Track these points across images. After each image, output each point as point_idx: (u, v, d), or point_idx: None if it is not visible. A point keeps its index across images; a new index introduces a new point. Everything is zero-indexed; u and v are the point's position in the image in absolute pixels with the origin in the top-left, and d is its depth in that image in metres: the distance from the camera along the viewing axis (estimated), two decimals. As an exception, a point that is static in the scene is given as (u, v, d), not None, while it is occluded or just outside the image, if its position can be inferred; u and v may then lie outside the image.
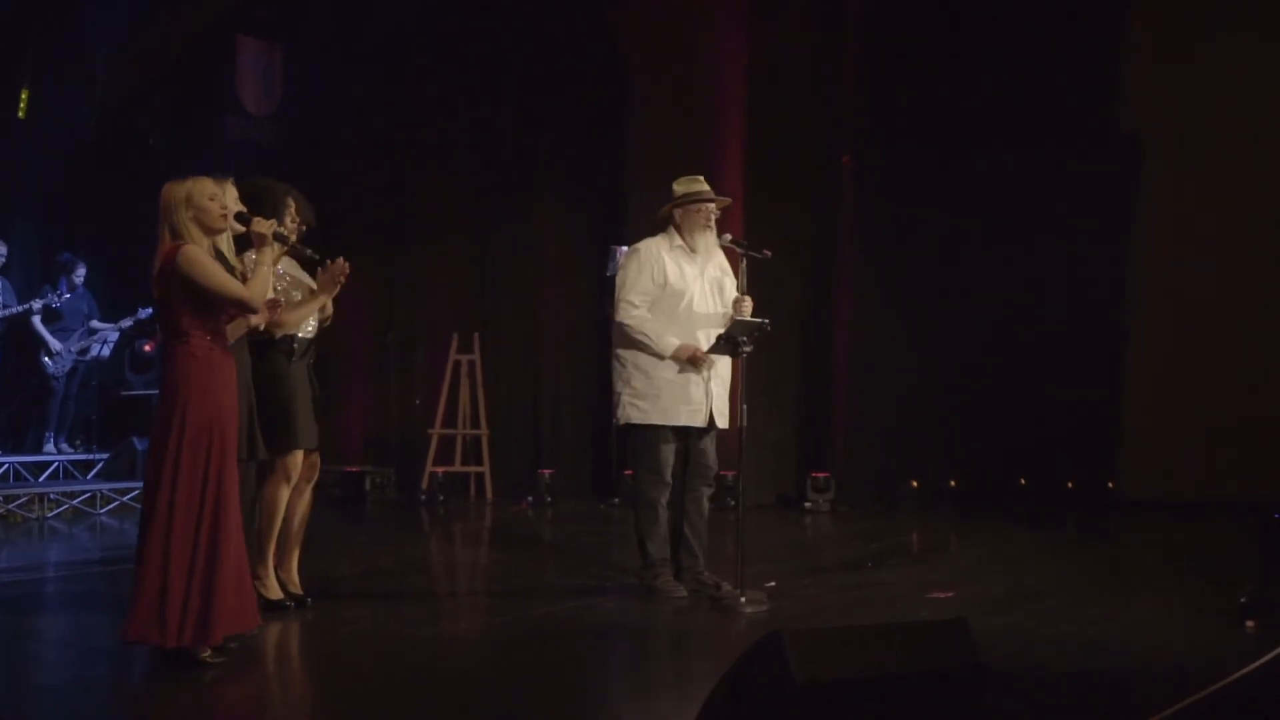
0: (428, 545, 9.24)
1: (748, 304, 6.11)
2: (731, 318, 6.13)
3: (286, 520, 5.75)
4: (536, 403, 11.83)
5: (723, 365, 6.23)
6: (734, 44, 10.77)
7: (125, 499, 9.83)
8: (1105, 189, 10.24)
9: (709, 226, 6.22)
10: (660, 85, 11.09)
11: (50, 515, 9.53)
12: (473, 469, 11.54)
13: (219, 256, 4.72)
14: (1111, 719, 4.18)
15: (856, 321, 10.79)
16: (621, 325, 6.12)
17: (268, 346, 5.56)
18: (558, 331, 11.70)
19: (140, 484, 7.47)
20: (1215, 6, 10.09)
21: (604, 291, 10.19)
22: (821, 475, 10.31)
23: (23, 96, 11.00)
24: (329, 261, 5.55)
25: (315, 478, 5.94)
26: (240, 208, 4.94)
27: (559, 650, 5.17)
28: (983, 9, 10.47)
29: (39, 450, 10.51)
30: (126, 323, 10.78)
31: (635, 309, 6.10)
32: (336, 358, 11.06)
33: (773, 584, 6.33)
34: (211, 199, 4.64)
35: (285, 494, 5.67)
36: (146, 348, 11.01)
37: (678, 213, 6.23)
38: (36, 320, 10.43)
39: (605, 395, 6.45)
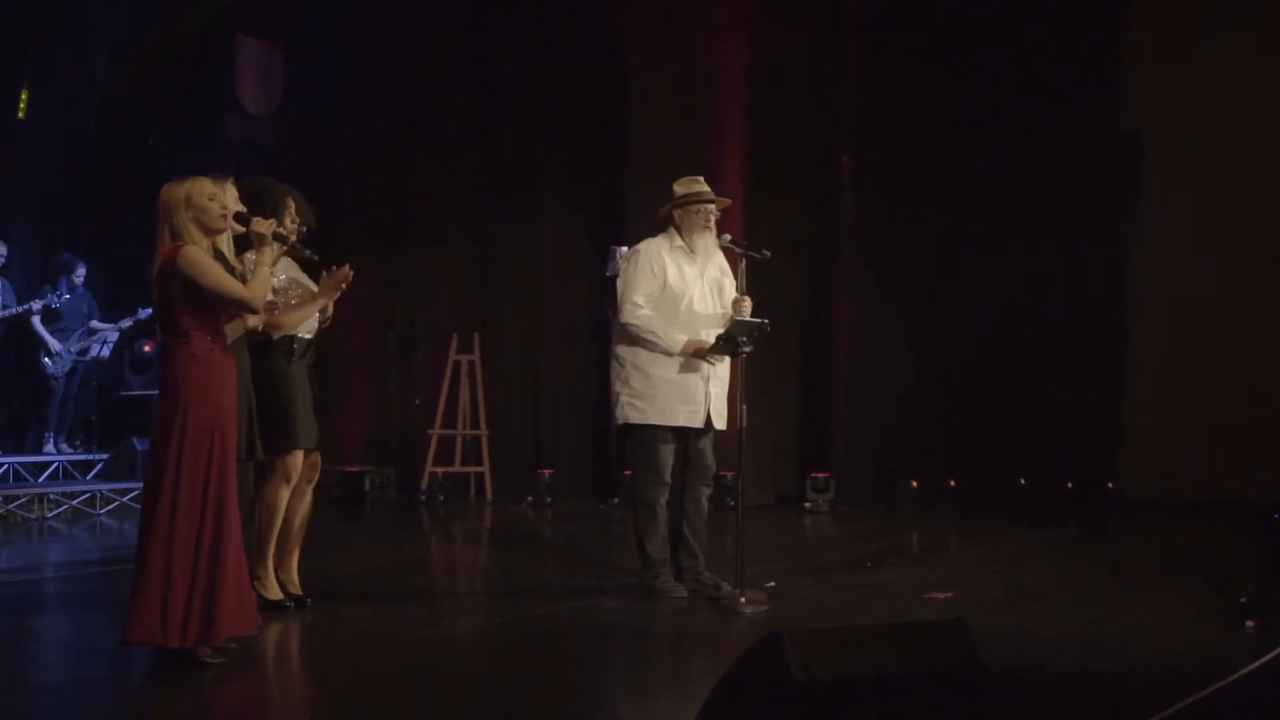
0: (428, 545, 9.24)
1: (747, 304, 6.11)
2: (731, 318, 6.13)
3: (287, 521, 5.75)
4: (536, 403, 11.83)
5: (721, 366, 6.23)
6: (734, 44, 10.77)
7: (125, 499, 9.83)
8: (1105, 189, 10.24)
9: (709, 227, 6.22)
10: (660, 85, 11.09)
11: (50, 516, 9.53)
12: (473, 469, 11.54)
13: (219, 257, 4.72)
14: (1111, 719, 4.18)
15: (856, 321, 10.79)
16: (627, 326, 6.11)
17: (267, 347, 5.56)
18: (558, 331, 11.70)
19: (140, 484, 7.46)
20: (1215, 7, 10.09)
21: (604, 291, 10.20)
22: (821, 475, 10.31)
23: (23, 96, 11.00)
24: (334, 267, 5.56)
25: (316, 478, 5.94)
26: (240, 208, 4.94)
27: (559, 650, 5.17)
28: (983, 9, 10.47)
29: (39, 450, 10.51)
30: (126, 323, 10.78)
31: (640, 309, 6.10)
32: (336, 358, 11.05)
33: (772, 584, 6.33)
34: (211, 199, 4.64)
35: (285, 494, 5.67)
36: (146, 348, 11.01)
37: (677, 213, 6.23)
38: (36, 320, 10.43)
39: (605, 395, 6.45)
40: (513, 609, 6.02)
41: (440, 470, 11.30)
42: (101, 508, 9.83)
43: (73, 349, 10.61)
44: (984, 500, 10.13)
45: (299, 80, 12.00)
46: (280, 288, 5.62)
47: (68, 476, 10.39)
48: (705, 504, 6.28)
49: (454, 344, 11.55)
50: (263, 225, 4.81)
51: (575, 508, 10.49)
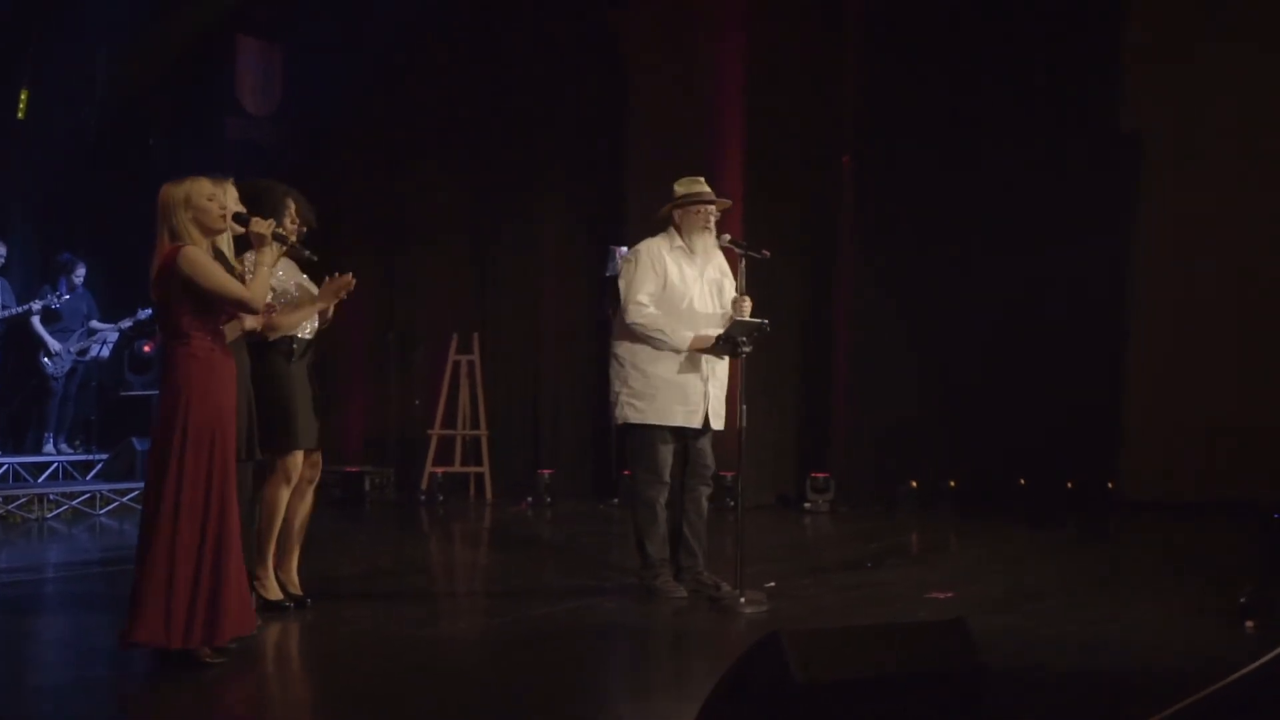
0: (427, 546, 9.24)
1: (747, 304, 6.11)
2: (731, 318, 6.13)
3: (287, 521, 5.75)
4: (536, 403, 11.83)
5: (720, 367, 6.24)
6: (734, 44, 10.77)
7: (125, 500, 9.82)
8: (1105, 189, 10.24)
9: (708, 228, 6.23)
10: (660, 85, 11.08)
11: (50, 516, 9.53)
12: (472, 469, 11.54)
13: (219, 257, 4.71)
14: (1111, 719, 4.18)
15: (856, 321, 10.79)
16: (634, 325, 6.10)
17: (266, 347, 5.56)
18: (558, 331, 11.70)
19: (140, 485, 7.45)
20: (1215, 7, 10.08)
21: (604, 291, 10.21)
22: (821, 475, 10.31)
23: (22, 96, 10.99)
24: (335, 274, 5.57)
25: (317, 478, 5.94)
26: (240, 208, 4.94)
27: (559, 650, 5.17)
28: (983, 9, 10.47)
29: (38, 451, 10.51)
30: (126, 323, 10.77)
31: (646, 307, 6.10)
32: (336, 358, 11.06)
33: (772, 584, 6.33)
34: (210, 199, 4.64)
35: (285, 494, 5.67)
36: (146, 348, 11.00)
37: (677, 213, 6.23)
38: (36, 321, 10.42)
39: (605, 395, 6.45)
40: (512, 609, 6.02)
41: (440, 470, 11.30)
42: (101, 508, 9.82)
43: (72, 349, 10.61)
44: (984, 500, 10.13)
45: (299, 80, 12.00)
46: (279, 288, 5.62)
47: (67, 477, 10.38)
48: (705, 504, 6.28)
49: (454, 344, 11.55)
50: (262, 226, 4.80)
51: (575, 508, 10.49)
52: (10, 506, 9.42)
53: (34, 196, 11.38)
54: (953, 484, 10.29)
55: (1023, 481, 10.31)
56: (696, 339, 6.07)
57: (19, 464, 10.18)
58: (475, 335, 11.62)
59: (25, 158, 11.12)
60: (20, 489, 9.69)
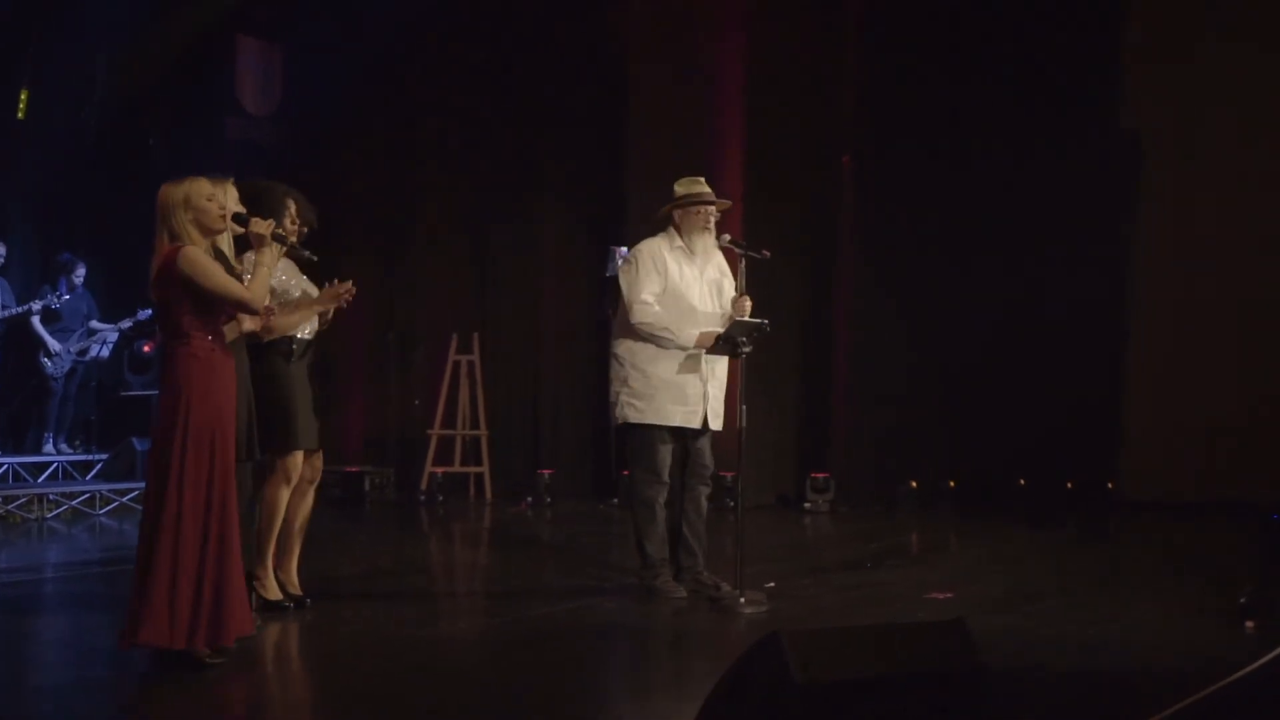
0: (427, 546, 9.24)
1: (747, 303, 6.11)
2: (730, 317, 6.14)
3: (287, 521, 5.75)
4: (536, 403, 11.83)
5: (720, 367, 6.24)
6: (734, 44, 10.77)
7: (124, 500, 9.83)
8: (1105, 189, 10.23)
9: (708, 229, 6.23)
10: (660, 85, 11.08)
11: (49, 516, 9.53)
12: (472, 469, 11.54)
13: (219, 257, 4.71)
14: (1111, 719, 4.18)
15: (856, 321, 10.79)
16: (640, 325, 6.09)
17: (266, 348, 5.56)
18: (558, 331, 11.70)
19: (140, 485, 7.44)
20: (1215, 7, 10.09)
21: (604, 291, 10.21)
22: (821, 475, 10.31)
23: (22, 96, 10.99)
24: (335, 280, 5.59)
25: (318, 479, 5.93)
26: (239, 209, 4.94)
27: (559, 650, 5.17)
28: (982, 9, 10.47)
29: (38, 451, 10.51)
30: (126, 324, 10.77)
31: (651, 306, 6.09)
32: (336, 358, 11.07)
33: (772, 584, 6.33)
34: (209, 199, 4.63)
35: (285, 495, 5.67)
36: (146, 348, 11.01)
37: (677, 214, 6.23)
38: (36, 321, 10.42)
39: (605, 395, 6.45)
40: (512, 609, 6.02)
41: (440, 470, 11.30)
42: (101, 508, 9.82)
43: (72, 349, 10.61)
44: (984, 500, 10.13)
45: (299, 80, 12.00)
46: (279, 289, 5.62)
47: (67, 477, 10.38)
48: (704, 504, 6.28)
49: (454, 344, 11.55)
50: (261, 226, 4.80)
51: (575, 508, 10.49)
52: (10, 506, 9.42)
53: (34, 196, 11.38)
54: (953, 484, 10.29)
55: (1023, 481, 10.31)
56: (703, 336, 6.08)
57: (19, 464, 10.18)
58: (475, 335, 11.62)
59: (25, 158, 11.11)
60: (20, 489, 9.69)
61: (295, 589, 5.81)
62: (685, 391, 6.11)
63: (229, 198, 4.88)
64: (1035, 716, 4.15)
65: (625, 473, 8.55)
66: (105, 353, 10.94)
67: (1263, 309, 9.76)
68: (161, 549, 4.44)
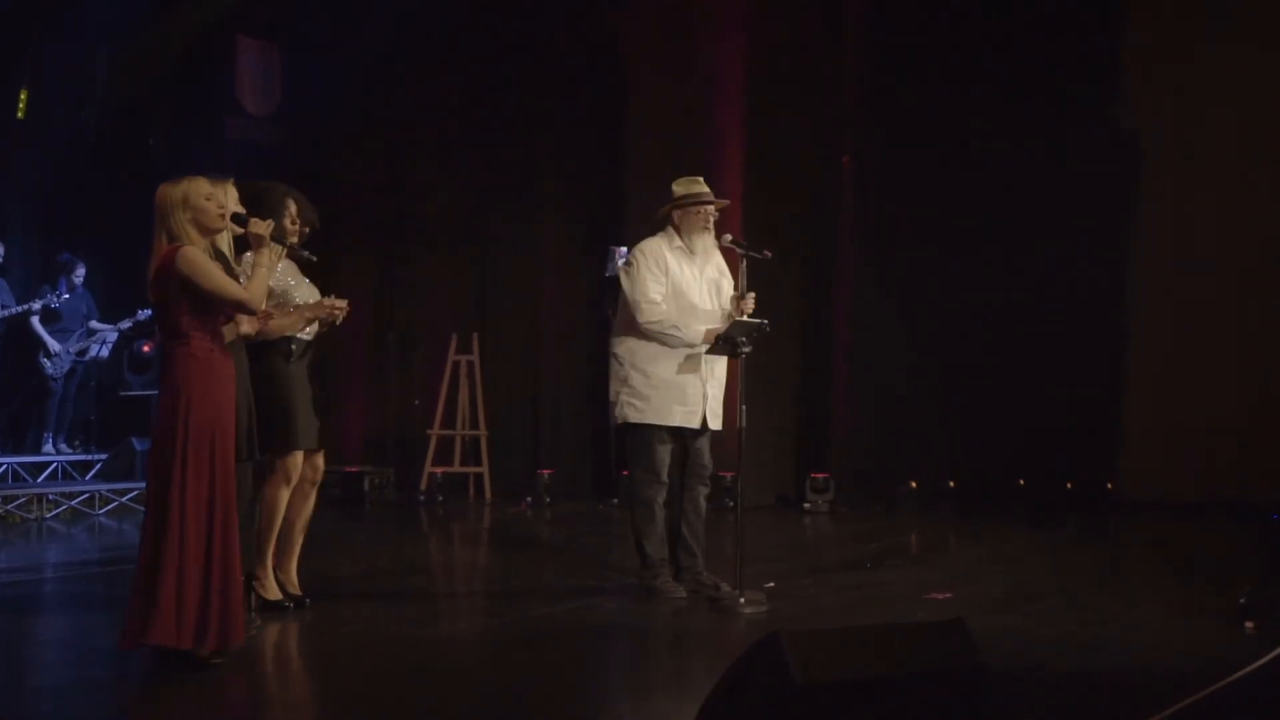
0: (427, 546, 9.24)
1: (750, 300, 6.11)
2: (729, 315, 6.14)
3: (287, 521, 5.74)
4: (536, 403, 11.83)
5: (720, 367, 6.23)
6: (734, 44, 10.77)
7: (124, 500, 9.82)
8: (1105, 189, 10.24)
9: (708, 228, 6.23)
10: (660, 85, 11.08)
11: (49, 516, 9.53)
12: (472, 469, 11.54)
13: (218, 257, 4.71)
14: (1111, 719, 4.18)
15: (856, 321, 10.79)
16: (647, 324, 6.08)
17: (265, 348, 5.55)
18: (557, 331, 11.69)
19: (139, 485, 7.43)
20: (1215, 7, 10.09)
21: (604, 291, 10.20)
22: (820, 476, 10.31)
23: (22, 96, 10.99)
24: (333, 295, 5.64)
25: (319, 479, 5.92)
26: (239, 209, 4.94)
27: (559, 650, 5.16)
28: (983, 9, 10.47)
29: (38, 451, 10.50)
30: (125, 324, 10.77)
31: (659, 305, 6.08)
32: (336, 358, 11.07)
33: (772, 584, 6.32)
34: (208, 199, 4.62)
35: (285, 495, 5.66)
36: (145, 348, 11.00)
37: (676, 214, 6.23)
38: (35, 321, 10.42)
39: (605, 395, 6.45)
40: (512, 609, 6.02)
41: (439, 471, 11.30)
42: (100, 508, 9.82)
43: (71, 350, 10.61)
44: (984, 500, 10.14)
45: (299, 80, 12.00)
46: (279, 289, 5.61)
47: (66, 477, 10.38)
48: (703, 504, 6.28)
49: (453, 344, 11.55)
50: (260, 226, 4.79)
51: (574, 508, 10.49)
52: (9, 506, 9.42)
53: (34, 196, 11.38)
54: (953, 484, 10.30)
55: (1022, 481, 10.31)
56: (709, 332, 6.08)
57: (18, 464, 10.18)
58: (475, 335, 11.61)
59: (25, 158, 11.11)
60: (20, 489, 9.69)
61: (295, 589, 5.80)
62: (685, 391, 6.11)
63: (229, 198, 4.88)
64: (1035, 716, 4.14)
65: (625, 473, 8.55)
66: (105, 353, 10.94)
67: (1263, 309, 9.77)
68: (167, 550, 4.43)
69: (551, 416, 11.75)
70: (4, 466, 10.07)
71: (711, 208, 6.24)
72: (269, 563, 5.70)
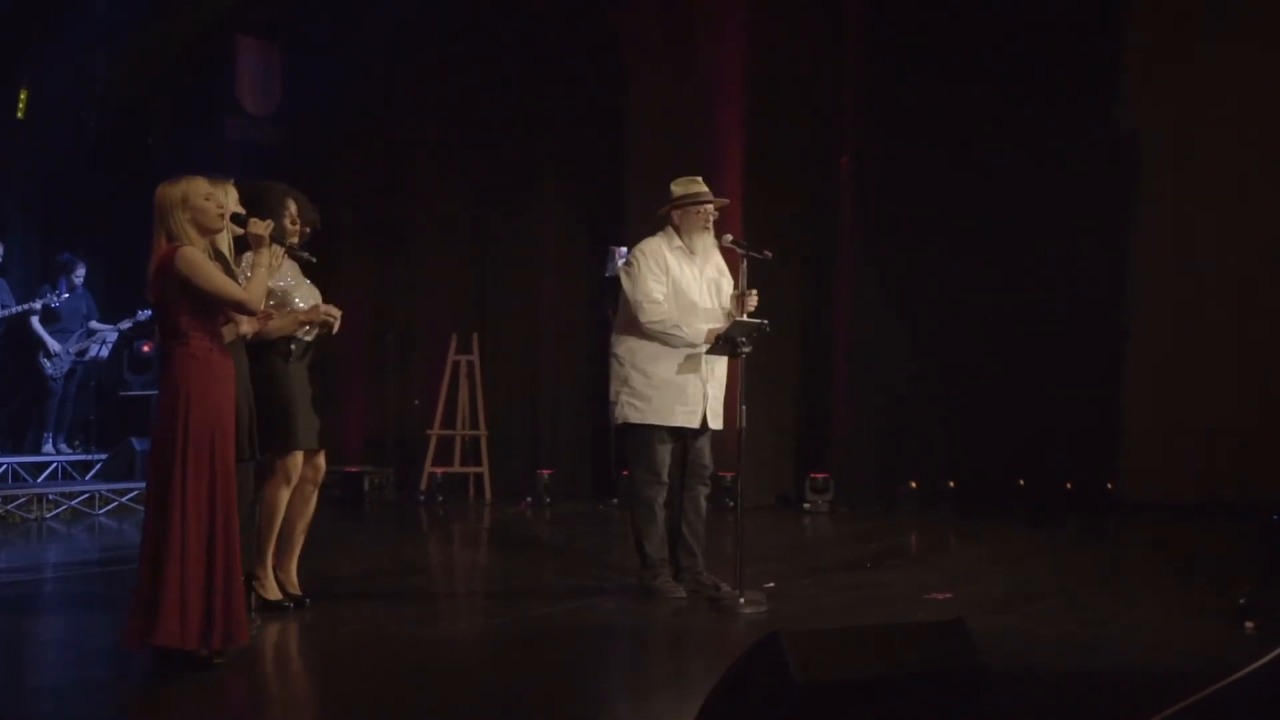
0: (427, 546, 9.24)
1: (753, 297, 6.11)
2: (730, 314, 6.14)
3: (288, 521, 5.74)
4: (535, 403, 11.83)
5: (720, 367, 6.23)
6: (734, 45, 10.76)
7: (124, 499, 9.83)
8: (1105, 189, 10.23)
9: (707, 228, 6.23)
10: (660, 85, 11.08)
11: (49, 516, 9.53)
12: (471, 469, 11.54)
13: (218, 257, 4.71)
14: (1111, 719, 4.18)
15: (856, 321, 10.78)
16: (650, 324, 6.08)
17: (265, 348, 5.55)
18: (557, 332, 11.69)
19: (139, 484, 7.42)
20: (1215, 7, 10.08)
21: (603, 291, 10.20)
22: (820, 476, 10.31)
23: (22, 96, 10.99)
24: (332, 305, 5.65)
25: (321, 479, 5.92)
26: (239, 209, 4.93)
27: (558, 650, 5.16)
28: (983, 10, 10.47)
29: (38, 451, 10.51)
30: (125, 324, 10.77)
31: (661, 305, 6.08)
32: (336, 358, 11.06)
33: (772, 585, 6.32)
34: (207, 199, 4.61)
35: (285, 495, 5.66)
36: (145, 348, 11.01)
37: (676, 214, 6.23)
38: (35, 321, 10.43)
39: (605, 395, 6.45)
40: (512, 609, 6.02)
41: (439, 471, 11.30)
42: (100, 508, 9.82)
43: (71, 350, 10.61)
44: (984, 500, 10.13)
45: (298, 80, 12.00)
46: (279, 289, 5.61)
47: (66, 477, 10.38)
48: (704, 504, 6.28)
49: (453, 344, 11.55)
50: (260, 226, 4.79)
51: (574, 508, 10.49)
52: (9, 506, 9.42)
53: (34, 196, 11.38)
54: (953, 484, 10.29)
55: (1022, 481, 10.31)
56: (710, 332, 6.08)
57: (18, 464, 10.18)
58: (475, 335, 11.62)
59: (25, 158, 11.12)
60: (19, 489, 9.69)
61: (295, 589, 5.81)
62: (686, 391, 6.11)
63: (229, 198, 4.88)
64: (1035, 716, 4.14)
65: (625, 473, 8.56)
66: (104, 353, 10.94)
67: (1263, 309, 9.76)
68: (169, 550, 4.42)
69: (551, 417, 11.75)
70: (4, 466, 10.07)
71: (711, 207, 6.24)
72: (269, 563, 5.70)
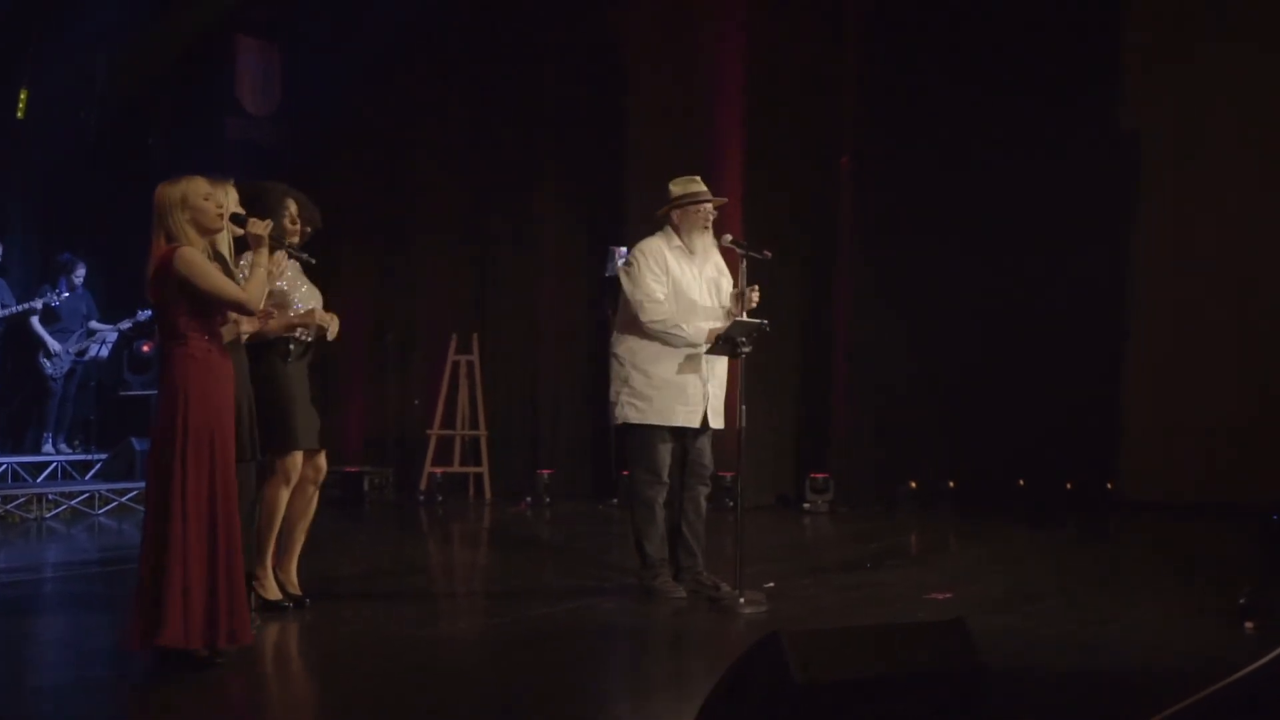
0: (426, 546, 9.24)
1: (755, 294, 6.11)
2: (730, 313, 6.14)
3: (288, 521, 5.75)
4: (535, 403, 11.83)
5: (720, 366, 6.23)
6: (734, 44, 10.77)
7: (123, 499, 9.83)
8: (1105, 189, 10.23)
9: (707, 227, 6.24)
10: (660, 85, 11.08)
11: (48, 516, 9.53)
12: (471, 469, 11.54)
13: (217, 257, 4.70)
14: (1111, 719, 4.18)
15: (856, 321, 10.78)
16: (651, 324, 6.08)
17: (264, 348, 5.55)
18: (557, 332, 11.69)
19: (139, 485, 7.42)
20: (1215, 7, 10.08)
21: (603, 291, 10.21)
22: (820, 476, 10.30)
23: (22, 96, 10.99)
24: (331, 314, 5.65)
25: (321, 479, 5.92)
26: (239, 209, 4.93)
27: (558, 650, 5.16)
28: (983, 9, 10.46)
29: (37, 451, 10.51)
30: (125, 324, 10.77)
31: (662, 305, 6.08)
32: (336, 358, 11.06)
33: (771, 585, 6.32)
34: (206, 198, 4.61)
35: (285, 495, 5.66)
36: (145, 348, 11.01)
37: (675, 214, 6.23)
38: (35, 321, 10.43)
39: (605, 395, 6.45)
40: (511, 609, 6.02)
41: (439, 471, 11.30)
42: (100, 508, 9.82)
43: (71, 350, 10.61)
44: (983, 500, 10.13)
45: (298, 80, 12.01)
46: (279, 289, 5.61)
47: (66, 477, 10.39)
48: (704, 504, 6.28)
49: (453, 344, 11.55)
50: (259, 226, 4.79)
51: (574, 508, 10.49)
52: (9, 506, 9.42)
53: (34, 196, 11.39)
54: (953, 484, 10.29)
55: (1022, 481, 10.31)
56: (711, 331, 6.08)
57: (18, 464, 10.18)
58: (475, 335, 11.62)
59: (25, 158, 11.13)
60: (19, 489, 9.69)
61: (295, 589, 5.81)
62: (686, 391, 6.11)
63: (228, 198, 4.87)
64: (1035, 716, 4.14)
65: (625, 473, 8.56)
66: (104, 353, 10.94)
67: (1263, 309, 9.76)
68: (170, 551, 4.42)
69: (551, 417, 11.75)
70: (4, 466, 10.07)
71: (710, 206, 6.24)
72: (269, 563, 5.70)
